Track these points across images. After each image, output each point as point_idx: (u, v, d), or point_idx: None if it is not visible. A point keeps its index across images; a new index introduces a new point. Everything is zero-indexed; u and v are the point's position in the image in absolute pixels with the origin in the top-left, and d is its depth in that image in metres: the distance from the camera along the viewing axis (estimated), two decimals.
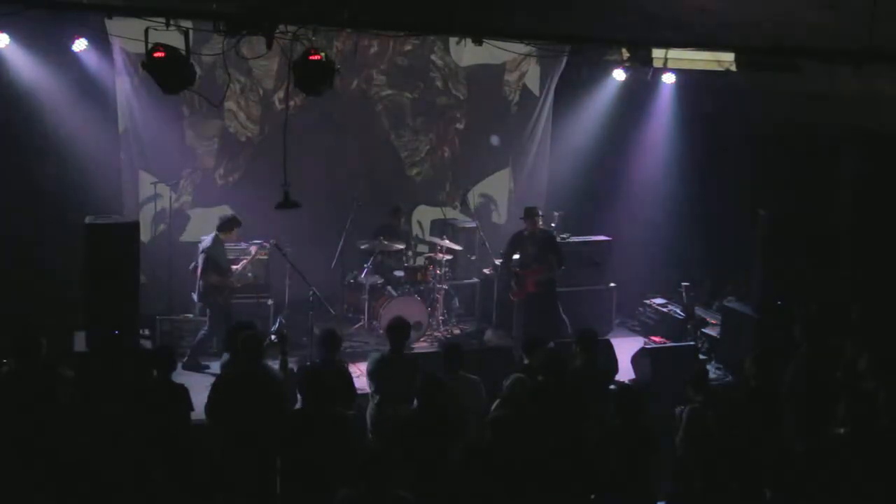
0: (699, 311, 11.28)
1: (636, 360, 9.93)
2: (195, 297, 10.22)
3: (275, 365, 7.50)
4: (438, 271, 11.23)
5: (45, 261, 10.22)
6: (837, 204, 11.00)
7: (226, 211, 11.28)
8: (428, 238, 11.93)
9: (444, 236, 11.69)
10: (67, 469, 6.37)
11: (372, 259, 11.16)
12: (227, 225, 10.05)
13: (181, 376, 7.23)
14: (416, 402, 6.64)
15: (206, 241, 10.01)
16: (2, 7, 7.12)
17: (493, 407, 6.85)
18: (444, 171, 12.62)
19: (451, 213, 12.49)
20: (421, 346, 10.65)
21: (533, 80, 12.66)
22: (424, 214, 12.59)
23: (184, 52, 7.00)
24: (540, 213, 10.74)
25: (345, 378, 7.31)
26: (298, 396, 6.94)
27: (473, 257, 12.15)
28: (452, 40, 11.97)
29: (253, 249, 10.49)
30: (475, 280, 12.05)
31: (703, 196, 12.10)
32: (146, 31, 6.93)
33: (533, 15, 8.52)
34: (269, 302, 10.82)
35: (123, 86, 10.71)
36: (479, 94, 12.48)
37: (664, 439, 6.58)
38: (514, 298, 10.61)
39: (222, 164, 11.57)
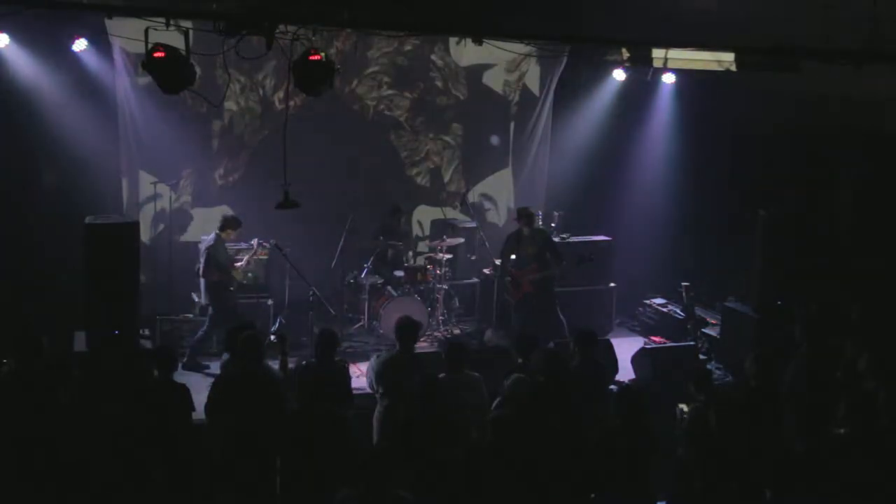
0: (699, 311, 11.28)
1: (636, 360, 9.93)
2: (201, 296, 10.22)
3: (275, 365, 7.50)
4: (438, 271, 11.23)
5: (45, 261, 10.22)
6: (837, 204, 10.99)
7: (226, 211, 11.29)
8: (430, 245, 11.91)
9: (445, 236, 11.69)
10: (68, 469, 6.36)
11: (372, 259, 11.17)
12: (228, 224, 10.06)
13: (182, 376, 7.21)
14: (416, 401, 6.65)
15: (208, 240, 10.03)
16: (2, 7, 7.12)
17: (494, 406, 6.85)
18: (443, 171, 12.62)
19: (451, 213, 12.49)
20: (421, 346, 10.64)
21: (533, 80, 12.66)
22: (424, 214, 12.59)
23: (184, 52, 7.00)
24: (537, 213, 10.73)
25: (343, 378, 7.30)
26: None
27: (473, 257, 12.15)
28: (452, 40, 11.97)
29: (254, 243, 10.46)
30: (475, 280, 12.05)
31: (703, 196, 12.10)
32: (146, 31, 6.94)
33: (533, 15, 8.51)
34: (269, 302, 10.82)
35: (123, 86, 10.71)
36: (479, 94, 12.48)
37: (664, 439, 6.58)
38: (511, 299, 10.62)
39: (222, 164, 11.57)
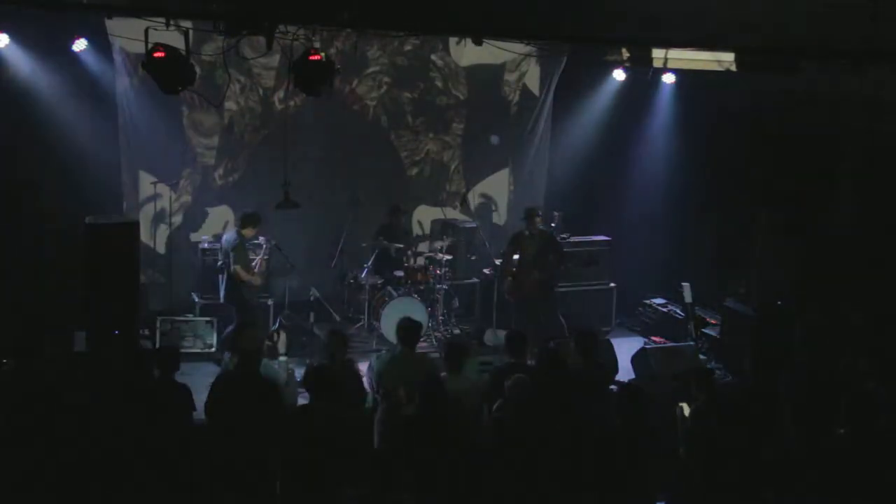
0: (699, 311, 11.28)
1: (636, 360, 9.93)
2: (221, 294, 10.13)
3: (275, 365, 7.51)
4: (438, 271, 11.23)
5: (45, 261, 10.21)
6: (837, 204, 10.99)
7: (226, 211, 11.31)
8: (430, 250, 11.90)
9: (445, 236, 11.69)
10: (68, 469, 6.36)
11: (372, 259, 11.17)
12: (248, 222, 9.97)
13: (182, 376, 7.21)
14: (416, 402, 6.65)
15: (230, 238, 9.95)
16: (2, 7, 7.13)
17: (495, 407, 6.85)
18: (444, 171, 12.62)
19: (451, 213, 12.49)
20: (421, 346, 10.63)
21: (533, 80, 12.66)
22: (424, 214, 12.59)
23: (184, 52, 7.00)
24: (539, 213, 10.74)
25: (357, 378, 7.31)
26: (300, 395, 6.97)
27: (473, 257, 12.15)
28: (452, 40, 11.96)
29: (262, 241, 10.42)
30: (475, 280, 12.05)
31: (703, 196, 12.09)
32: (146, 31, 6.94)
33: (533, 15, 8.50)
34: (269, 302, 10.82)
35: (123, 86, 10.71)
36: (479, 94, 12.48)
37: (664, 439, 6.58)
38: (512, 299, 10.62)
39: (222, 164, 11.57)
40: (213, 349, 10.12)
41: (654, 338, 11.39)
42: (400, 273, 11.20)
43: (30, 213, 10.37)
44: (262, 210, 10.36)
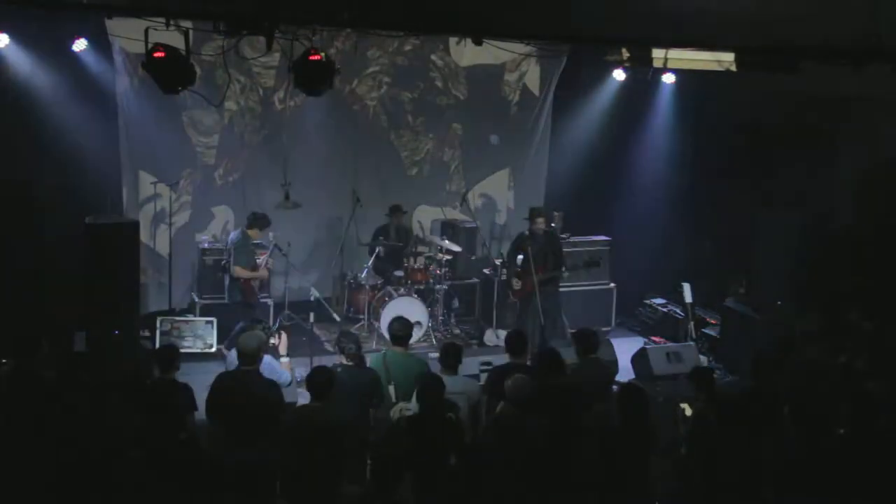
0: (699, 311, 11.29)
1: (636, 360, 9.94)
2: (225, 293, 10.16)
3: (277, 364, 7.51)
4: (438, 271, 11.23)
5: (45, 261, 10.21)
6: (837, 204, 10.99)
7: (226, 211, 11.31)
8: (428, 238, 11.92)
9: (445, 236, 11.69)
10: (67, 469, 6.36)
11: (372, 259, 11.17)
12: (255, 223, 10.01)
13: (182, 376, 7.21)
14: (414, 402, 6.65)
15: (234, 237, 10.02)
16: (2, 7, 7.12)
17: (498, 409, 6.85)
18: (444, 171, 12.62)
19: (451, 213, 12.49)
20: (421, 346, 10.65)
21: (533, 80, 12.66)
22: (424, 214, 12.59)
23: (184, 52, 7.00)
24: (543, 213, 10.75)
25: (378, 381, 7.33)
26: (299, 396, 6.95)
27: (474, 257, 12.16)
28: (452, 40, 11.97)
29: (271, 236, 10.42)
30: (475, 280, 12.06)
31: (703, 196, 12.09)
32: (146, 31, 6.94)
33: (533, 15, 8.50)
34: (270, 302, 10.82)
35: (123, 86, 10.71)
36: (479, 94, 12.48)
37: (664, 439, 6.58)
38: (515, 299, 10.62)
39: (222, 163, 11.57)
40: (213, 349, 10.12)
41: (654, 338, 11.40)
42: (400, 273, 11.21)
43: (30, 213, 10.37)
44: (262, 210, 10.37)
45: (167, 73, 7.04)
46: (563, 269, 10.42)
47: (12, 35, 9.32)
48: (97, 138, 10.58)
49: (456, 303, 11.67)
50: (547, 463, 6.13)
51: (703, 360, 10.32)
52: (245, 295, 10.00)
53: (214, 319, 10.35)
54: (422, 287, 11.16)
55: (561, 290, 10.71)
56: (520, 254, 10.40)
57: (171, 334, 10.25)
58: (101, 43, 10.13)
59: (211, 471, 6.52)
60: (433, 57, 12.20)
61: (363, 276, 11.16)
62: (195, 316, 10.60)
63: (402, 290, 10.98)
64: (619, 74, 11.50)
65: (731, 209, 11.76)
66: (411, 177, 12.49)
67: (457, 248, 11.65)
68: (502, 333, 11.06)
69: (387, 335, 10.23)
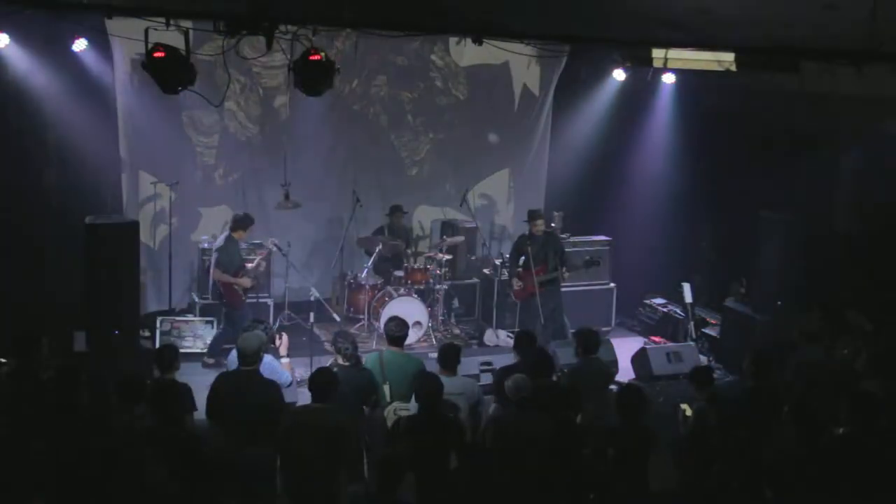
0: (699, 311, 11.29)
1: (636, 360, 9.94)
2: (209, 295, 10.23)
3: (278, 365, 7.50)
4: (438, 271, 11.23)
5: (45, 261, 10.22)
6: (837, 204, 10.99)
7: (226, 211, 11.30)
8: (429, 237, 11.94)
9: (445, 236, 11.69)
10: (67, 469, 6.36)
11: (372, 259, 11.17)
12: (238, 225, 10.02)
13: (183, 376, 7.21)
14: (414, 403, 6.64)
15: (218, 240, 10.02)
16: (2, 7, 7.12)
17: (493, 408, 6.85)
18: (444, 171, 12.62)
19: (452, 213, 12.49)
20: (421, 346, 10.66)
21: (533, 80, 12.66)
22: (424, 214, 12.60)
23: (184, 52, 6.99)
24: (542, 216, 10.75)
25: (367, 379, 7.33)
26: (299, 396, 6.94)
27: (473, 257, 12.17)
28: (452, 40, 11.97)
29: (270, 243, 10.42)
30: (475, 280, 12.06)
31: (703, 196, 12.10)
32: (146, 31, 6.93)
33: (533, 15, 8.51)
34: (269, 302, 10.82)
35: (123, 86, 10.71)
36: (479, 94, 12.48)
37: (664, 439, 6.58)
38: (517, 299, 10.62)
39: (222, 163, 11.57)
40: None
41: (653, 338, 11.40)
42: (400, 273, 11.21)
43: (30, 213, 10.37)
44: (262, 210, 10.36)
45: (167, 73, 7.03)
46: (563, 269, 10.41)
47: (12, 35, 9.32)
48: (97, 138, 10.59)
49: (456, 303, 11.68)
50: (546, 463, 6.13)
51: (703, 360, 10.33)
52: (226, 299, 9.98)
53: (214, 319, 10.36)
54: (422, 287, 11.17)
55: (561, 289, 10.70)
56: (522, 255, 10.41)
57: (171, 334, 10.27)
58: (101, 43, 10.13)
59: (211, 471, 6.52)
60: (433, 57, 12.20)
61: (363, 276, 11.16)
62: (195, 316, 10.60)
63: (402, 290, 10.98)
64: (619, 74, 11.50)
65: (730, 209, 11.77)
66: (411, 177, 12.49)
67: (460, 238, 11.62)
68: (502, 333, 11.12)
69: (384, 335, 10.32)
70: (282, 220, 10.79)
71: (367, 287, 11.08)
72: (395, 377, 7.26)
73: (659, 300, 11.96)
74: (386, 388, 7.25)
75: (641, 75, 10.78)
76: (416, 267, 11.30)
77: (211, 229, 11.38)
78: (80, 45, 9.81)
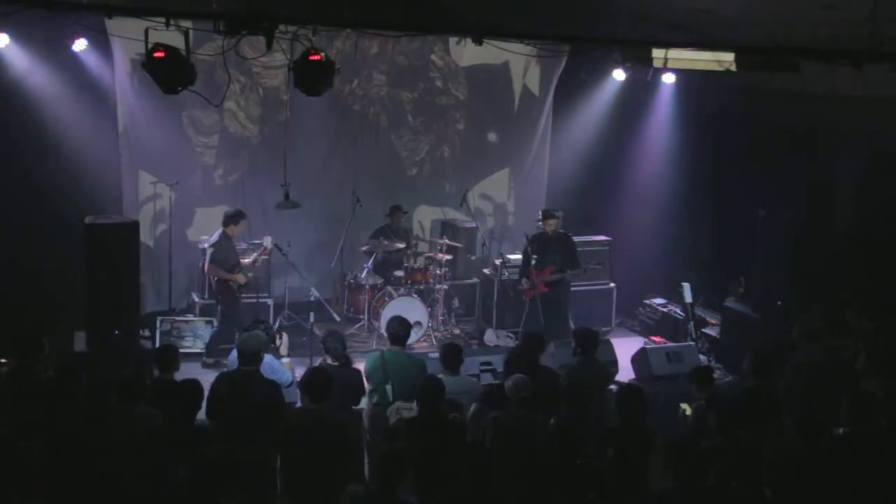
0: (699, 311, 11.28)
1: (636, 360, 9.93)
2: (204, 294, 10.25)
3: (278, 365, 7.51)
4: (438, 271, 11.23)
5: (45, 261, 10.22)
6: (837, 204, 10.99)
7: (226, 210, 11.27)
8: (429, 238, 11.93)
9: (445, 236, 11.69)
10: (67, 469, 6.36)
11: (372, 259, 11.17)
12: (230, 220, 10.03)
13: (182, 376, 7.20)
14: (415, 403, 6.65)
15: (213, 237, 10.04)
16: (2, 7, 7.11)
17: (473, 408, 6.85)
18: (444, 171, 12.62)
19: (451, 213, 12.49)
20: (421, 346, 10.66)
21: (533, 80, 12.66)
22: (424, 214, 12.60)
23: (184, 52, 6.99)
24: (557, 215, 10.77)
25: (359, 379, 7.33)
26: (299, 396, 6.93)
27: (473, 257, 12.16)
28: (452, 40, 11.97)
29: (267, 242, 10.41)
30: (475, 280, 12.06)
31: (703, 196, 12.10)
32: (146, 31, 6.93)
33: (533, 15, 8.51)
34: (270, 302, 10.82)
35: (123, 86, 10.71)
36: (479, 94, 12.48)
37: (664, 439, 6.57)
38: (526, 298, 10.64)
39: (222, 163, 11.57)
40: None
41: (653, 338, 11.40)
42: (400, 273, 11.21)
43: (30, 213, 10.37)
44: (262, 209, 10.36)
45: (167, 73, 7.03)
46: (569, 270, 10.45)
47: (12, 35, 9.32)
48: (97, 138, 10.59)
49: (456, 303, 11.68)
50: (546, 463, 6.12)
51: (703, 360, 10.32)
52: (220, 296, 9.98)
53: (214, 319, 10.36)
54: (422, 287, 11.16)
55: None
56: (534, 254, 10.43)
57: (170, 334, 10.27)
58: (101, 43, 10.13)
59: (211, 471, 6.52)
60: (433, 57, 12.20)
61: (363, 276, 11.16)
62: (195, 316, 10.60)
63: (402, 291, 10.98)
64: (619, 74, 11.49)
65: (730, 209, 11.76)
66: (411, 177, 12.48)
67: (457, 245, 11.65)
68: (502, 333, 11.12)
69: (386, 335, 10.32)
70: (282, 220, 10.78)
71: (367, 287, 11.08)
72: (398, 377, 7.25)
73: (659, 300, 11.96)
74: (388, 387, 7.25)
75: (641, 75, 10.77)
76: (416, 267, 11.30)
77: (211, 229, 11.35)
78: (80, 45, 9.80)
